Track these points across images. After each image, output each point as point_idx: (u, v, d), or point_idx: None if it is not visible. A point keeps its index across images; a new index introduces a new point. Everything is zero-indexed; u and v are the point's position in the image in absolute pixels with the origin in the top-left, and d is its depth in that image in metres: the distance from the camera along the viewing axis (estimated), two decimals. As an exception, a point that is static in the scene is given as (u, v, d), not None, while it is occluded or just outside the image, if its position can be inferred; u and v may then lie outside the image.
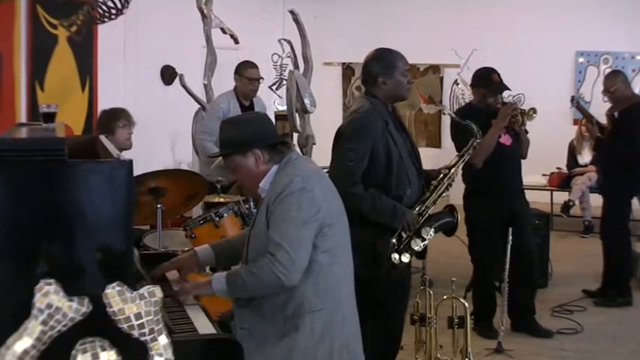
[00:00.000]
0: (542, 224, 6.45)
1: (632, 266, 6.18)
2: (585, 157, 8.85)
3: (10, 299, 2.15)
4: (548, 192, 9.06)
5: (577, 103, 6.46)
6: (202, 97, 6.78)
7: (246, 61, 6.30)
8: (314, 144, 6.11)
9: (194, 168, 7.49)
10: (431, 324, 4.12)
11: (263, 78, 6.37)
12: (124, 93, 8.08)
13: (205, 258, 3.00)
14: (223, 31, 6.76)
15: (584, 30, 9.86)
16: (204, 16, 6.50)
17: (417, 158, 3.86)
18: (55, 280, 2.05)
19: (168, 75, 8.94)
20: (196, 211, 5.74)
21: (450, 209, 3.89)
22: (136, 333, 2.07)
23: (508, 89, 5.08)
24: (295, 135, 6.29)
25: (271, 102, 10.34)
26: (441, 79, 10.80)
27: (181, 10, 7.93)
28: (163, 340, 2.10)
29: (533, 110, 4.96)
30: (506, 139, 5.02)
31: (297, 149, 5.66)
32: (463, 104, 8.96)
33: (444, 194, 3.91)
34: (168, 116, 8.58)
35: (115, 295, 2.05)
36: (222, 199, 4.83)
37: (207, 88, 6.61)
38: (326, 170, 3.57)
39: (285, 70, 10.32)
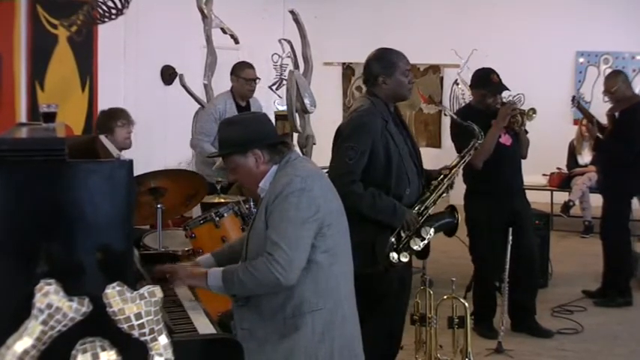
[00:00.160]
0: (543, 224, 6.45)
1: (632, 266, 6.18)
2: (585, 157, 8.85)
3: (10, 299, 2.15)
4: (549, 192, 9.05)
5: (578, 103, 6.48)
6: (202, 97, 6.77)
7: (243, 62, 6.28)
8: (314, 144, 6.10)
9: (194, 168, 7.48)
10: (431, 324, 4.13)
11: (260, 78, 6.35)
12: (124, 93, 8.08)
13: (208, 267, 2.97)
14: (223, 31, 6.76)
15: (584, 30, 9.86)
16: (204, 16, 6.49)
17: (417, 158, 3.86)
18: (55, 280, 2.06)
19: (168, 75, 8.94)
20: (196, 211, 5.74)
21: (451, 209, 3.89)
22: (136, 333, 2.07)
23: (507, 89, 5.07)
24: (295, 135, 6.28)
25: (271, 102, 10.35)
26: (441, 79, 10.79)
27: (181, 10, 7.93)
28: (163, 340, 2.10)
29: (533, 110, 4.96)
30: (506, 140, 5.02)
31: (297, 149, 5.65)
32: (463, 104, 8.97)
33: (444, 195, 3.91)
34: (169, 116, 8.58)
35: (115, 295, 2.06)
36: (222, 200, 4.84)
37: (207, 88, 6.60)
38: (326, 170, 3.57)
39: (285, 70, 10.31)
